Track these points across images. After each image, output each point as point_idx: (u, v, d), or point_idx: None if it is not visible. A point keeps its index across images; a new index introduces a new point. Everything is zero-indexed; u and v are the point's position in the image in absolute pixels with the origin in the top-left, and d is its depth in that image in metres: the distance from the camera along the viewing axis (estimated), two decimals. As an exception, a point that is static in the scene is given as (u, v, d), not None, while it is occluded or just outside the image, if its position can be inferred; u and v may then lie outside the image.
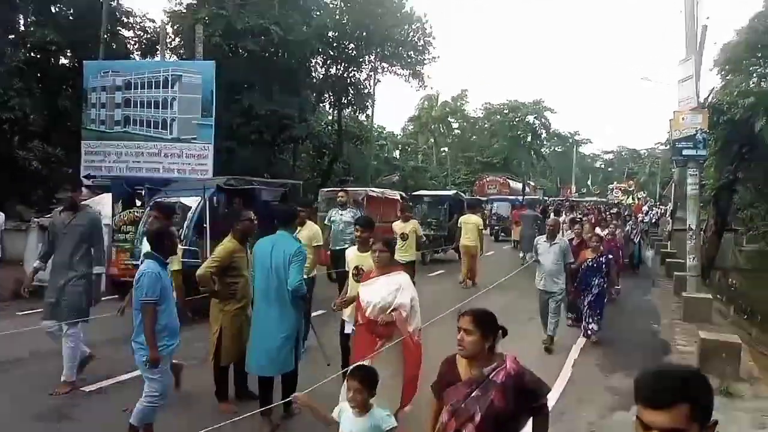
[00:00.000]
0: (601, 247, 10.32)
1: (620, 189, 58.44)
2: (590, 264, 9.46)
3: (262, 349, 5.37)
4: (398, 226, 12.05)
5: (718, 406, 5.67)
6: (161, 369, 4.86)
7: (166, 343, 4.86)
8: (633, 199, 46.44)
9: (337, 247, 10.36)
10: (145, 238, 5.85)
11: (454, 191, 22.43)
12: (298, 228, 7.32)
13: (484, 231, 16.33)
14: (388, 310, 4.82)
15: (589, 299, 9.42)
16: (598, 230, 12.65)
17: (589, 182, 69.58)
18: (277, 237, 5.54)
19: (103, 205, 12.75)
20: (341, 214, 10.82)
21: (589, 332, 9.45)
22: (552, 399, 6.72)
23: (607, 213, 25.05)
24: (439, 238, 18.91)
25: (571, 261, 9.00)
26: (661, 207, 38.46)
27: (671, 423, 1.62)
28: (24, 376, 6.88)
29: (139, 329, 4.77)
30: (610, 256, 9.93)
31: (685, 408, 1.62)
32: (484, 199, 33.11)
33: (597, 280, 9.39)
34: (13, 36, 20.56)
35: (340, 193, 11.75)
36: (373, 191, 18.21)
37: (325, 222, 10.94)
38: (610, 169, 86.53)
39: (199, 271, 5.68)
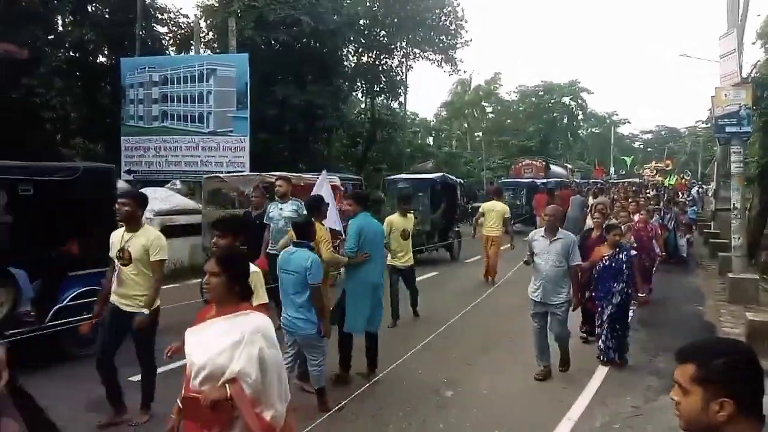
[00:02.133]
0: (624, 240, 8.58)
1: (656, 169, 56.73)
2: (606, 263, 7.31)
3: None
4: (397, 221, 9.44)
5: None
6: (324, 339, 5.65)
7: None
8: (671, 179, 45.07)
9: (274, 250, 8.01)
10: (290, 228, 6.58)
11: (441, 173, 17.51)
12: None
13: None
14: (220, 381, 2.86)
15: (610, 311, 7.24)
16: (627, 217, 10.87)
17: (627, 163, 67.33)
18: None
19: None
20: (281, 209, 8.54)
21: (609, 355, 7.27)
22: (595, 383, 6.70)
23: (639, 195, 23.58)
24: (420, 235, 14.19)
25: (578, 262, 6.73)
26: (701, 186, 37.45)
27: (677, 377, 1.74)
28: (69, 366, 7.07)
29: (307, 307, 5.43)
30: (633, 253, 7.57)
31: (690, 367, 1.70)
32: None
33: (619, 285, 7.23)
34: (52, 36, 21.05)
35: (278, 182, 8.92)
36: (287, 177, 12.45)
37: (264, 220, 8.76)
38: (649, 149, 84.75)
39: (328, 255, 6.50)
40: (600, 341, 7.35)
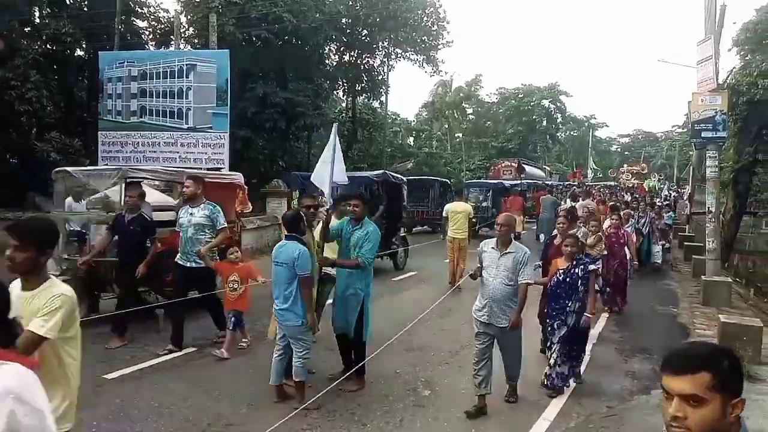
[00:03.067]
0: (596, 251, 8.63)
1: (631, 172, 57.01)
2: (560, 277, 6.40)
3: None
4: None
5: (739, 390, 5.55)
6: (309, 331, 5.81)
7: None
8: (651, 182, 45.42)
9: (188, 264, 7.42)
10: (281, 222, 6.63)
11: (382, 171, 15.51)
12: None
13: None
14: None
15: (563, 333, 6.30)
16: (597, 225, 10.02)
17: (592, 165, 65.92)
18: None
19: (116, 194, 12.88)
20: (191, 214, 7.46)
21: (555, 383, 6.30)
22: (571, 384, 6.75)
23: (615, 197, 23.31)
24: None
25: (527, 280, 5.77)
26: (673, 189, 37.88)
27: (690, 389, 1.64)
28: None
29: (295, 299, 5.58)
30: (592, 267, 6.38)
31: (706, 376, 1.64)
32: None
33: (574, 304, 6.28)
34: (29, 29, 20.70)
35: (186, 182, 7.69)
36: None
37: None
38: (626, 152, 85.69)
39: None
40: (548, 365, 6.36)
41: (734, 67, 19.23)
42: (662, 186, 39.75)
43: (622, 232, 10.75)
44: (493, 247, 5.85)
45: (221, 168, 16.13)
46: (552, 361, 6.34)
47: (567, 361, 6.38)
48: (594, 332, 8.86)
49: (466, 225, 12.40)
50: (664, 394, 1.71)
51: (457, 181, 40.08)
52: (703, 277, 12.09)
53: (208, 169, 16.17)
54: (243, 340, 7.60)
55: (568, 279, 6.37)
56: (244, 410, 5.69)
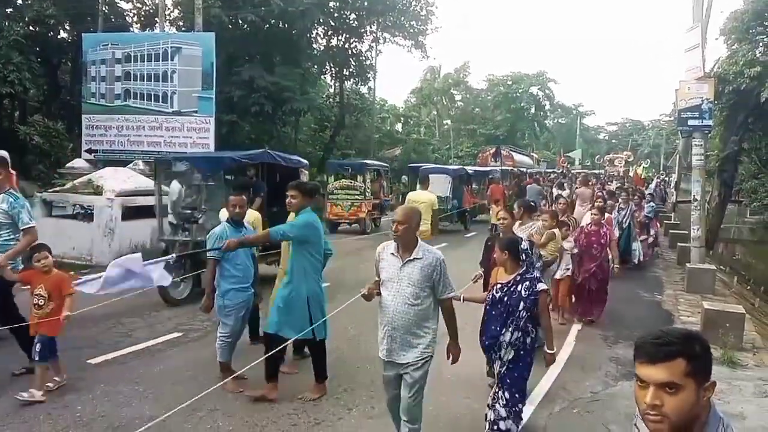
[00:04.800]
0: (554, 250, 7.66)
1: (610, 160, 56.02)
2: (496, 295, 4.67)
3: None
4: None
5: (721, 376, 5.73)
6: (231, 315, 5.85)
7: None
8: (645, 170, 44.93)
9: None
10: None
11: (261, 150, 12.08)
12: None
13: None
14: None
15: (499, 369, 4.67)
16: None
17: (570, 153, 63.53)
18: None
19: (105, 179, 12.78)
20: None
21: (498, 429, 4.58)
22: (556, 369, 6.78)
23: (597, 187, 21.35)
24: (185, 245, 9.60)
25: (451, 294, 4.29)
26: (661, 177, 37.56)
27: (667, 377, 1.65)
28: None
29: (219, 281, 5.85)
30: (541, 286, 4.59)
31: (682, 363, 1.65)
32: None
33: (509, 334, 4.55)
34: (11, 10, 20.36)
35: None
36: None
37: None
38: (614, 140, 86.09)
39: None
40: (487, 407, 4.79)
41: (720, 57, 19.30)
42: (651, 176, 38.30)
43: (605, 230, 9.03)
44: (392, 253, 4.23)
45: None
46: (490, 400, 4.73)
47: (510, 414, 4.58)
48: (577, 322, 8.83)
49: (428, 216, 10.82)
50: (637, 382, 1.72)
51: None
52: (687, 264, 12.20)
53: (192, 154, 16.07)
54: (54, 378, 5.69)
55: (506, 299, 4.58)
56: (230, 395, 5.66)
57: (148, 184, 13.55)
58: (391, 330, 4.21)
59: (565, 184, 22.85)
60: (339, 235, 16.68)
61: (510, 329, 4.55)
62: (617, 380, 6.54)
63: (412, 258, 4.18)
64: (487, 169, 27.71)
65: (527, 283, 4.59)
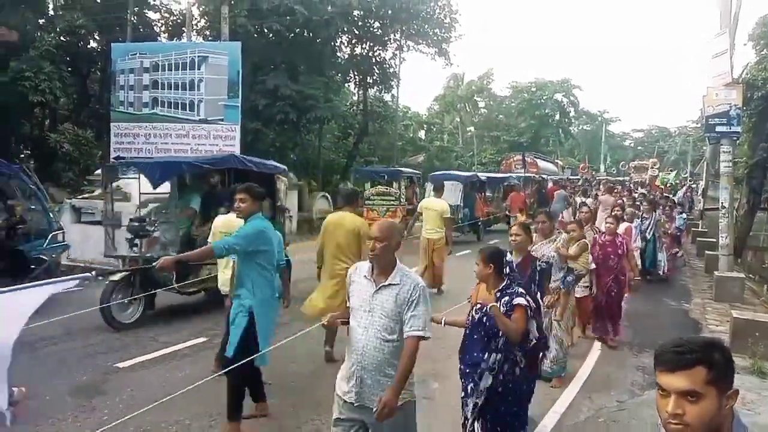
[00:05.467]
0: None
1: (636, 167, 54.65)
2: (476, 317, 4.14)
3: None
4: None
5: (751, 386, 5.63)
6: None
7: None
8: (672, 177, 43.81)
9: None
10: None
11: (228, 153, 12.37)
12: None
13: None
14: None
15: (476, 400, 4.07)
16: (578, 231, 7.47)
17: (584, 159, 61.44)
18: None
19: (133, 185, 12.98)
20: None
21: None
22: (581, 378, 6.74)
23: (624, 193, 20.58)
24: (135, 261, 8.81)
25: (419, 333, 3.33)
26: (691, 186, 36.79)
27: (688, 385, 1.64)
28: (58, 352, 7.04)
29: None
30: (519, 301, 3.93)
31: (702, 371, 1.65)
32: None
33: (490, 358, 4.01)
34: (42, 20, 20.84)
35: None
36: None
37: None
38: (640, 147, 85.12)
39: None
40: None
41: (749, 62, 19.06)
42: (679, 182, 36.68)
43: (621, 239, 8.47)
44: (366, 276, 3.51)
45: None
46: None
47: None
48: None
49: (439, 224, 10.86)
50: (659, 391, 1.72)
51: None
52: (715, 272, 12.02)
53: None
54: None
55: (485, 320, 4.02)
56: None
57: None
58: (360, 370, 3.42)
59: (589, 192, 22.23)
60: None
61: (490, 352, 4.02)
62: (644, 389, 6.47)
63: (387, 283, 3.42)
64: (503, 175, 26.81)
65: (506, 298, 3.97)
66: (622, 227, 9.67)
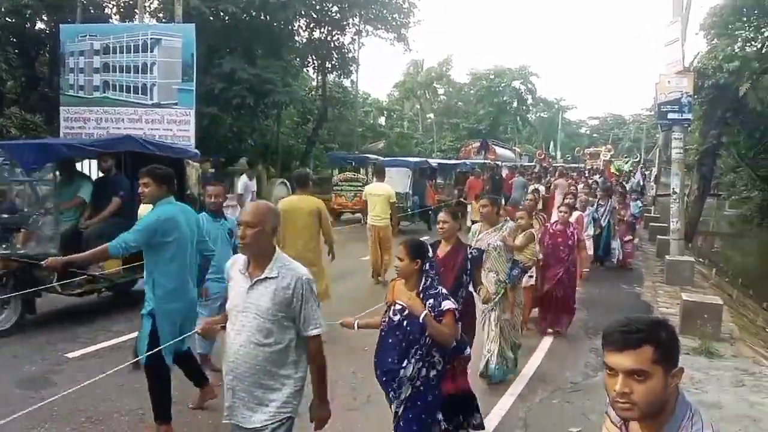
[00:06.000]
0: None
1: (591, 154, 55.34)
2: (393, 320, 3.70)
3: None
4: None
5: (699, 366, 5.80)
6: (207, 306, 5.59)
7: None
8: (624, 164, 44.50)
9: None
10: None
11: (124, 135, 10.12)
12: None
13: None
14: None
15: (396, 409, 3.69)
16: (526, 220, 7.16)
17: (541, 146, 61.74)
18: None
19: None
20: None
21: None
22: (536, 361, 6.83)
23: (581, 180, 20.15)
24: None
25: (317, 331, 3.04)
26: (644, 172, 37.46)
27: (635, 364, 1.65)
28: (5, 344, 6.82)
29: None
30: (448, 305, 3.56)
31: (649, 350, 1.66)
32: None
33: (410, 366, 3.58)
34: (-14, 0, 20.01)
35: None
36: None
37: None
38: (595, 135, 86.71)
39: None
40: None
41: (700, 51, 19.51)
42: (633, 170, 37.39)
43: (572, 229, 8.04)
44: (241, 270, 3.06)
45: (187, 146, 15.83)
46: None
47: None
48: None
49: (387, 210, 10.48)
50: (606, 370, 1.73)
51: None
52: (667, 256, 12.35)
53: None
54: None
55: (405, 323, 3.60)
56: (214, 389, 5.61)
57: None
58: (232, 380, 3.00)
59: (543, 179, 22.22)
60: (342, 224, 17.52)
61: (412, 361, 3.56)
62: (597, 371, 6.59)
63: (263, 277, 2.96)
64: (455, 162, 26.33)
65: (431, 301, 3.56)
66: (574, 216, 9.27)
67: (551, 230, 8.03)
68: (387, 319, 3.75)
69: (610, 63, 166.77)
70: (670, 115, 12.23)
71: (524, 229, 6.65)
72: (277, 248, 3.09)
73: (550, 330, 7.93)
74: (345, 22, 29.36)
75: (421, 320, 3.49)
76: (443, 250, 4.79)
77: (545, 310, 7.99)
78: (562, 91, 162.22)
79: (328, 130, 34.86)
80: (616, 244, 12.98)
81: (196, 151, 9.95)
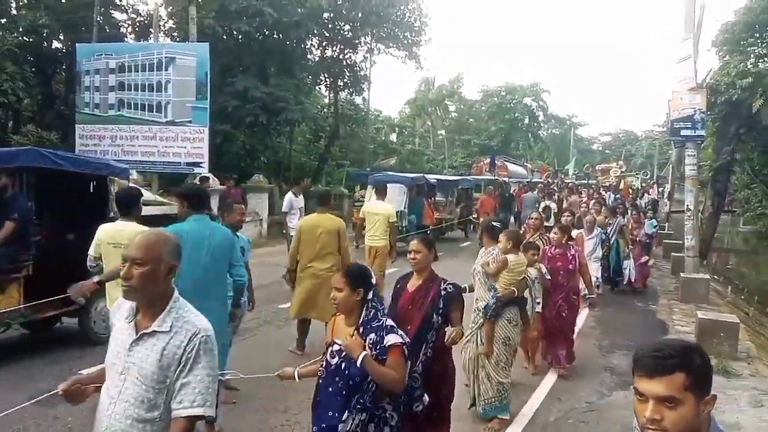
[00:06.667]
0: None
1: (603, 170, 54.81)
2: (332, 362, 3.12)
3: None
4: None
5: (716, 386, 5.68)
6: None
7: None
8: (636, 181, 43.89)
9: None
10: None
11: (27, 148, 9.31)
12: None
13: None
14: None
15: None
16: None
17: (553, 162, 61.02)
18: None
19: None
20: None
21: None
22: (550, 380, 6.76)
23: (594, 196, 18.86)
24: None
25: (195, 412, 2.24)
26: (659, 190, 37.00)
27: (666, 391, 1.61)
28: (22, 360, 6.84)
29: None
30: (393, 340, 3.02)
31: (681, 377, 1.62)
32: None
33: (350, 421, 2.98)
34: (4, 20, 20.35)
35: None
36: None
37: None
38: (607, 151, 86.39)
39: None
40: None
41: (712, 68, 19.45)
42: (645, 186, 36.29)
43: (572, 252, 7.21)
44: (127, 318, 2.39)
45: (200, 163, 15.97)
46: None
47: None
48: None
49: (384, 230, 9.72)
50: (636, 395, 1.69)
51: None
52: (681, 274, 12.22)
53: (187, 164, 16.04)
54: None
55: (344, 366, 3.02)
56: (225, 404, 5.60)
57: (146, 195, 13.55)
58: None
59: (554, 195, 21.21)
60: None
61: (353, 412, 2.96)
62: (612, 390, 6.52)
63: (151, 330, 2.27)
64: (457, 178, 24.60)
65: (372, 336, 3.01)
66: (573, 235, 8.38)
67: (549, 253, 7.16)
68: (324, 362, 3.12)
69: (621, 79, 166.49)
70: (684, 132, 12.18)
71: (506, 253, 5.65)
72: (175, 292, 2.35)
73: (555, 367, 7.06)
74: (357, 41, 29.60)
75: (359, 363, 2.88)
76: (414, 284, 4.09)
77: (549, 345, 7.20)
78: (574, 108, 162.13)
79: (340, 147, 34.99)
80: (628, 263, 12.12)
81: (124, 167, 8.46)
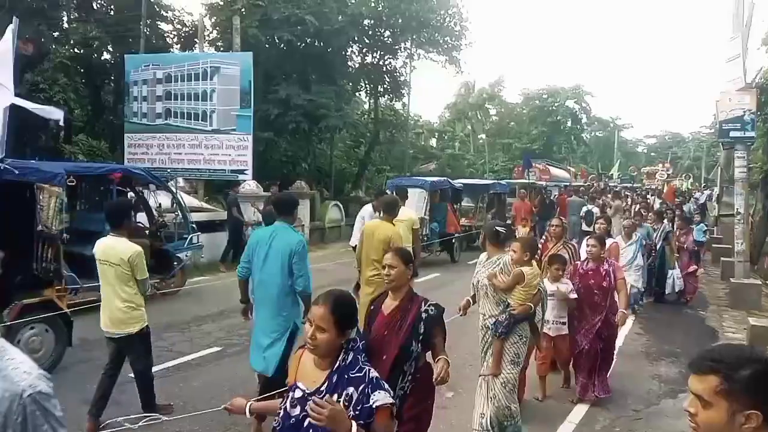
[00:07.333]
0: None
1: (648, 174, 53.30)
2: (288, 413, 2.49)
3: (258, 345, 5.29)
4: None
5: None
6: None
7: None
8: (687, 183, 42.42)
9: None
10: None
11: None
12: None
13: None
14: None
15: None
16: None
17: (596, 165, 59.55)
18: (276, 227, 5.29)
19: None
20: None
21: None
22: (596, 386, 6.65)
23: (639, 200, 19.30)
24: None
25: None
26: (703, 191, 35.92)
27: (697, 390, 1.66)
28: (74, 363, 7.07)
29: None
30: (381, 399, 2.39)
31: (713, 380, 1.63)
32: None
33: None
34: (57, 33, 21.07)
35: None
36: None
37: None
38: (653, 153, 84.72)
39: None
40: None
41: (762, 67, 18.90)
42: (694, 189, 34.28)
43: (606, 267, 6.30)
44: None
45: (245, 170, 16.25)
46: None
47: None
48: (619, 338, 7.39)
49: (409, 238, 8.67)
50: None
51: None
52: (731, 279, 11.93)
53: (232, 171, 16.36)
54: None
55: (306, 423, 2.41)
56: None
57: (191, 201, 13.91)
58: None
59: (597, 199, 19.63)
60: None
61: None
62: (660, 398, 6.41)
63: None
64: (488, 182, 23.11)
65: (350, 390, 2.41)
66: (607, 244, 7.33)
67: (581, 270, 6.33)
68: (283, 411, 2.51)
69: (666, 80, 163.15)
70: (732, 133, 11.90)
71: (519, 265, 4.93)
72: (1, 340, 1.68)
73: (582, 399, 6.26)
74: (397, 46, 29.69)
75: None
76: (389, 305, 3.48)
77: (579, 373, 6.38)
78: (618, 110, 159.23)
79: (380, 153, 35.12)
80: (673, 273, 11.23)
81: (59, 172, 7.46)
